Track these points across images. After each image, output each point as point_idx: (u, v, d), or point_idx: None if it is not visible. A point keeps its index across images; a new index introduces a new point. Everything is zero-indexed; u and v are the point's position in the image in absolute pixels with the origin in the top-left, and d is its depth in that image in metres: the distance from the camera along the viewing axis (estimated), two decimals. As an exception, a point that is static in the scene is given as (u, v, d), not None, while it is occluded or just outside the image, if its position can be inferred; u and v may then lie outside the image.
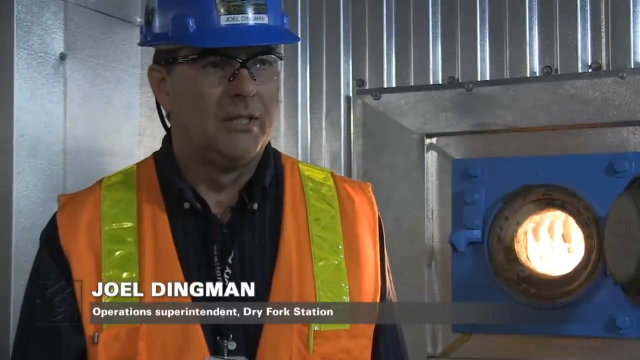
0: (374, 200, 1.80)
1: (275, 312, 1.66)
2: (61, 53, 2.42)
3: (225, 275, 1.66)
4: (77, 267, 1.62)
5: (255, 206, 1.69)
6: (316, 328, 1.66)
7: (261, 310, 1.65)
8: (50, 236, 1.66)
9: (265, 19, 1.63)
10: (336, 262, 1.72)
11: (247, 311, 1.66)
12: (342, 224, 1.75)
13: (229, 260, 1.66)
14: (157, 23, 1.66)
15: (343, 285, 1.70)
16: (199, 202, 1.67)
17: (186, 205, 1.67)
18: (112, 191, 1.70)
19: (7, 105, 2.31)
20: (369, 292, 1.73)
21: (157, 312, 1.61)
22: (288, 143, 2.89)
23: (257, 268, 1.68)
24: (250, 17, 1.62)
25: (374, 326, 1.73)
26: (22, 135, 2.33)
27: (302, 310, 1.67)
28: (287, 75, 2.90)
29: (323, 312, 1.67)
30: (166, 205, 1.68)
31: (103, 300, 1.61)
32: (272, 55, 1.65)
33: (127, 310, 1.61)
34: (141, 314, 1.60)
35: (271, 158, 1.73)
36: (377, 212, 1.79)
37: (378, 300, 1.75)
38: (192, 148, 1.67)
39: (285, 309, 1.66)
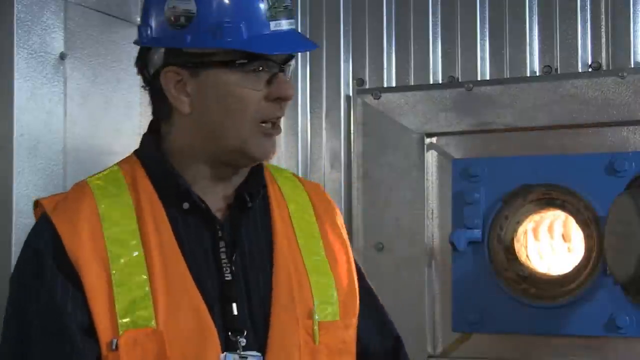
0: (329, 196, 1.92)
1: (282, 307, 1.69)
2: (61, 52, 2.42)
3: (232, 272, 1.67)
4: (86, 274, 1.59)
5: (252, 204, 1.73)
6: (318, 320, 1.71)
7: (269, 305, 1.69)
8: (49, 242, 1.61)
9: (292, 24, 1.69)
10: (319, 256, 1.78)
11: (257, 307, 1.69)
12: (315, 219, 1.82)
13: (233, 258, 1.68)
14: (196, 27, 1.64)
15: (329, 277, 1.77)
16: (201, 202, 1.68)
17: (185, 205, 1.68)
18: (105, 193, 1.67)
19: (7, 104, 2.31)
20: (347, 284, 1.81)
21: (172, 314, 1.61)
22: (288, 143, 2.89)
23: (258, 263, 1.71)
24: (289, 23, 1.68)
25: (357, 317, 1.81)
26: (22, 134, 2.32)
27: (305, 303, 1.72)
28: (287, 75, 2.90)
29: (323, 304, 1.74)
30: (164, 205, 1.68)
31: (117, 305, 1.59)
32: (294, 59, 1.71)
33: (142, 314, 1.59)
34: (157, 316, 1.59)
35: None
36: (336, 207, 1.90)
37: (357, 287, 1.83)
38: (216, 149, 1.68)
39: (292, 303, 1.70)
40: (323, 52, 2.87)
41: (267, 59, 1.64)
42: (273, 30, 1.64)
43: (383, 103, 2.75)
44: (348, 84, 2.85)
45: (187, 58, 1.66)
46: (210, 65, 1.64)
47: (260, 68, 1.64)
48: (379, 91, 2.77)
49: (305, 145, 2.88)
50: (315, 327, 1.70)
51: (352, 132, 2.81)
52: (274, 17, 1.64)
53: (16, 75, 2.31)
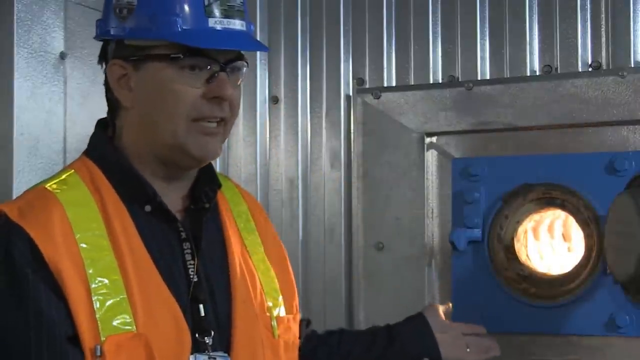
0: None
1: (242, 305, 1.73)
2: (61, 52, 2.42)
3: (197, 273, 1.70)
4: (67, 281, 1.57)
5: (210, 205, 1.76)
6: (274, 314, 1.79)
7: (232, 304, 1.73)
8: (24, 250, 1.57)
9: (244, 26, 1.68)
10: (262, 256, 1.84)
11: (221, 306, 1.72)
12: (253, 219, 1.88)
13: (197, 257, 1.70)
14: (135, 18, 1.65)
15: (272, 274, 1.84)
16: (164, 205, 1.69)
17: (148, 208, 1.69)
18: (70, 199, 1.65)
19: (7, 104, 2.31)
20: (286, 279, 1.87)
21: (150, 317, 1.61)
22: (288, 142, 2.89)
23: (216, 262, 1.75)
24: (235, 23, 1.66)
25: (298, 312, 1.89)
26: (22, 134, 2.32)
27: (260, 300, 1.78)
28: (287, 75, 2.90)
29: (273, 300, 1.80)
30: (127, 208, 1.68)
31: (96, 311, 1.58)
32: (244, 62, 1.70)
33: (122, 319, 1.59)
34: (136, 320, 1.59)
35: None
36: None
37: (294, 284, 1.90)
38: (155, 146, 1.68)
39: (250, 300, 1.75)
40: (323, 52, 2.87)
41: (206, 56, 1.63)
42: (212, 27, 1.63)
43: (383, 102, 2.75)
44: (348, 84, 2.85)
45: (130, 51, 1.67)
46: (150, 58, 1.64)
47: (206, 65, 1.64)
48: (379, 91, 2.76)
49: (305, 144, 2.88)
50: (274, 322, 1.76)
51: (352, 131, 2.81)
52: (213, 14, 1.63)
53: (16, 74, 2.31)
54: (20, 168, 2.33)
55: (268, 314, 1.77)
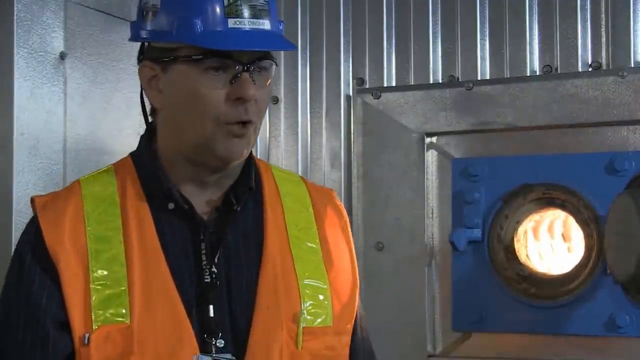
0: (340, 204, 1.87)
1: (265, 310, 1.68)
2: (61, 52, 2.42)
3: (213, 275, 1.66)
4: (64, 268, 1.61)
5: (239, 207, 1.71)
6: (304, 325, 1.69)
7: (252, 308, 1.67)
8: (32, 239, 1.64)
9: (267, 25, 1.65)
10: (314, 260, 1.76)
11: (239, 309, 1.67)
12: (316, 226, 1.79)
13: (216, 260, 1.67)
14: (158, 21, 1.65)
15: (323, 281, 1.74)
16: (185, 203, 1.68)
17: (171, 205, 1.68)
18: (93, 191, 1.69)
19: (7, 104, 2.31)
20: (346, 290, 1.78)
21: (148, 312, 1.60)
22: (288, 142, 2.89)
23: (244, 265, 1.70)
24: (258, 22, 1.64)
25: (353, 324, 1.78)
26: (22, 134, 2.32)
27: (291, 307, 1.69)
28: (287, 75, 2.90)
29: (314, 309, 1.71)
30: (150, 205, 1.68)
31: (92, 300, 1.59)
32: (270, 61, 1.67)
33: (117, 310, 1.59)
34: (132, 313, 1.59)
35: (252, 160, 1.75)
36: (346, 215, 1.85)
37: (357, 297, 1.80)
38: (184, 147, 1.67)
39: (276, 306, 1.68)
40: (323, 52, 2.87)
41: (228, 57, 1.62)
42: (233, 27, 1.61)
43: (383, 102, 2.75)
44: (348, 84, 2.85)
45: (158, 53, 1.67)
46: (175, 61, 1.64)
47: (228, 66, 1.62)
48: (379, 91, 2.77)
49: (305, 144, 2.88)
50: (299, 332, 1.68)
51: (352, 131, 2.81)
52: (233, 14, 1.62)
53: (16, 74, 2.31)
54: (20, 168, 2.32)
55: (296, 323, 1.69)
